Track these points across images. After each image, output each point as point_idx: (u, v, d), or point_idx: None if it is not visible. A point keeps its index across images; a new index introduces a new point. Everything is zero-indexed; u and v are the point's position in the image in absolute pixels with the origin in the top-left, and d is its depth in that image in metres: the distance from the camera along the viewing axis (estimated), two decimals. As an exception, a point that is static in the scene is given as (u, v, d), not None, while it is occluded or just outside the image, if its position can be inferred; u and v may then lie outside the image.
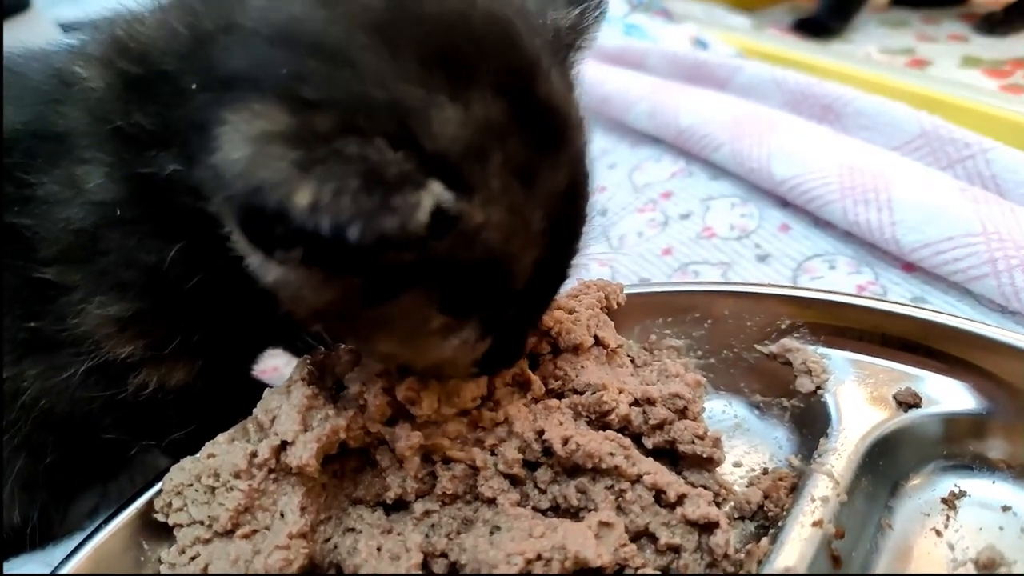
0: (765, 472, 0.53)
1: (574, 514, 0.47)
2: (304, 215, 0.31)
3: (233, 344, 0.54)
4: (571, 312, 0.55)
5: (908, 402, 0.51)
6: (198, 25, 0.41)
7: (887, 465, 0.50)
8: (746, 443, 0.57)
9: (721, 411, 0.59)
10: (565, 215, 0.43)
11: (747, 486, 0.52)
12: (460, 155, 0.36)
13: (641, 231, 0.87)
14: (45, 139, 0.46)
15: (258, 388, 0.53)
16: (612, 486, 0.46)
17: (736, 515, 0.50)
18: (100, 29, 0.46)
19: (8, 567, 0.57)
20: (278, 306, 0.41)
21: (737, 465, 0.55)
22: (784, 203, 0.83)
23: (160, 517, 0.48)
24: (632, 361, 0.58)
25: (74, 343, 0.48)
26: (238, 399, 0.51)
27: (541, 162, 0.39)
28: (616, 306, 0.58)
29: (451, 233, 0.36)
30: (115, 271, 0.46)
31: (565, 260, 0.45)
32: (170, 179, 0.41)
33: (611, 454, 0.46)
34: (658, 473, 0.46)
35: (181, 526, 0.47)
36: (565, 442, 0.47)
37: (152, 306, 0.47)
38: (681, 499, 0.46)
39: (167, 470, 0.49)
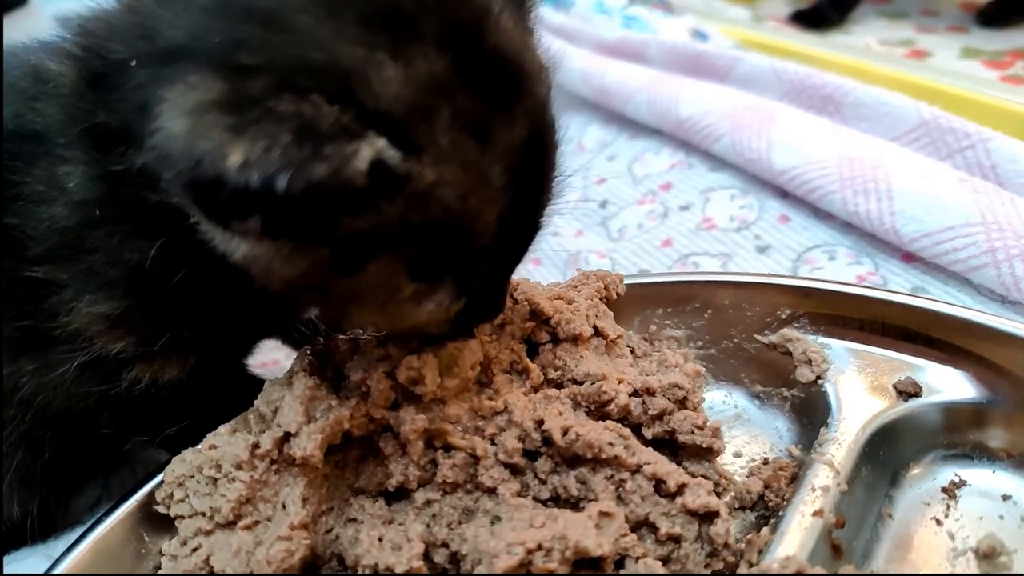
0: (766, 462, 0.53)
1: (574, 504, 0.47)
2: (236, 174, 0.31)
3: (224, 338, 0.53)
4: (570, 302, 0.55)
5: (908, 391, 0.51)
6: (139, 4, 0.41)
7: (887, 454, 0.50)
8: (746, 433, 0.57)
9: (721, 401, 0.59)
10: (528, 168, 0.41)
11: (747, 476, 0.52)
12: (404, 114, 0.35)
13: (641, 223, 0.87)
14: (25, 138, 0.45)
15: (253, 383, 0.53)
16: (612, 476, 0.46)
17: (736, 505, 0.50)
18: (70, 23, 0.46)
19: (9, 560, 0.57)
20: (253, 282, 0.41)
21: (737, 455, 0.55)
22: (784, 194, 0.83)
23: (161, 509, 0.48)
24: (632, 351, 0.58)
25: (67, 340, 0.48)
26: (232, 394, 0.51)
27: (494, 116, 0.39)
28: (616, 296, 0.59)
29: (403, 194, 0.36)
30: (102, 269, 0.46)
31: (535, 212, 0.44)
32: (141, 174, 0.40)
33: (611, 444, 0.46)
34: (658, 463, 0.47)
35: (182, 517, 0.47)
36: (565, 432, 0.47)
37: (140, 303, 0.47)
38: (681, 489, 0.46)
39: (168, 462, 0.49)
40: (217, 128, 0.32)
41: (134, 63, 0.38)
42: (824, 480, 0.46)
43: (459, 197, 0.38)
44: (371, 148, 0.33)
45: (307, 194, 0.31)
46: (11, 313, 0.48)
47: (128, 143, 0.41)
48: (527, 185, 0.42)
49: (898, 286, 0.68)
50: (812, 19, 1.54)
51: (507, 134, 0.39)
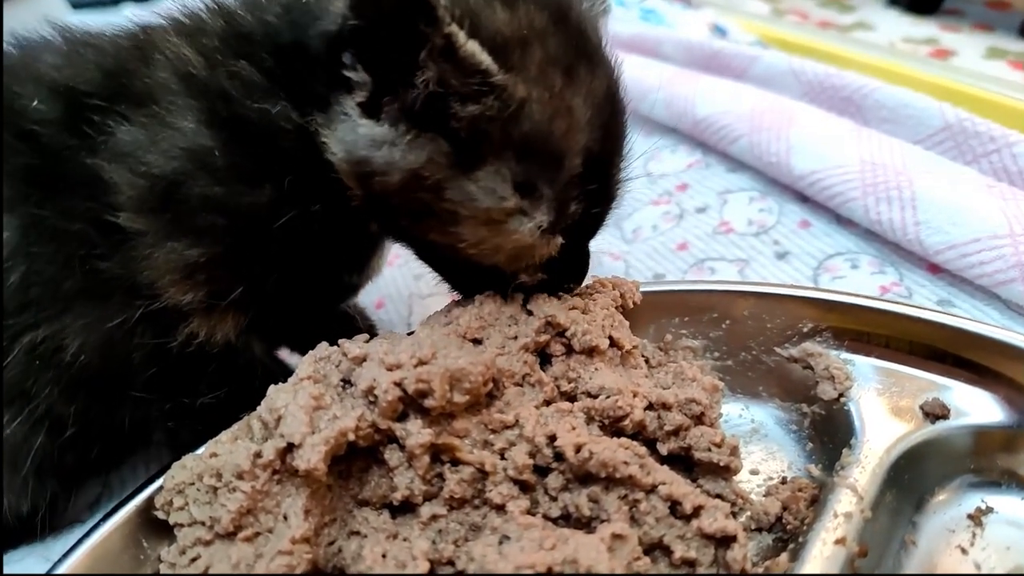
0: (784, 481, 0.51)
1: (586, 524, 0.45)
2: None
3: (288, 298, 0.55)
4: (586, 312, 0.53)
5: (936, 413, 0.49)
6: None
7: (912, 479, 0.48)
8: (763, 450, 0.55)
9: (738, 415, 0.57)
10: (610, 119, 0.49)
11: (764, 495, 0.50)
12: (504, 42, 0.43)
13: (656, 224, 0.85)
14: (128, 89, 0.49)
15: (282, 367, 0.58)
16: (626, 496, 0.45)
17: (753, 526, 0.49)
18: None
19: (5, 559, 0.56)
20: (371, 187, 0.47)
21: (754, 473, 0.53)
22: (804, 198, 0.81)
23: (160, 515, 0.47)
24: (647, 361, 0.57)
25: (130, 291, 0.49)
26: (266, 373, 0.53)
27: (578, 63, 0.47)
28: (632, 305, 0.57)
29: (501, 100, 0.43)
30: (193, 217, 0.48)
31: (615, 169, 0.51)
32: (275, 119, 0.47)
33: (625, 463, 0.44)
34: (674, 483, 0.45)
35: (182, 525, 0.46)
36: (578, 449, 0.45)
37: (227, 251, 0.49)
38: (697, 511, 0.44)
39: (168, 466, 0.48)
40: None
41: None
42: (847, 506, 0.45)
43: (547, 117, 0.45)
44: (464, 38, 0.41)
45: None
46: (70, 262, 0.48)
47: (261, 91, 0.48)
48: (609, 135, 0.49)
49: (923, 298, 0.66)
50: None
51: (589, 81, 0.47)
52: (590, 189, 0.49)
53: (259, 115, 0.48)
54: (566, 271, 0.53)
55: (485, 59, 0.42)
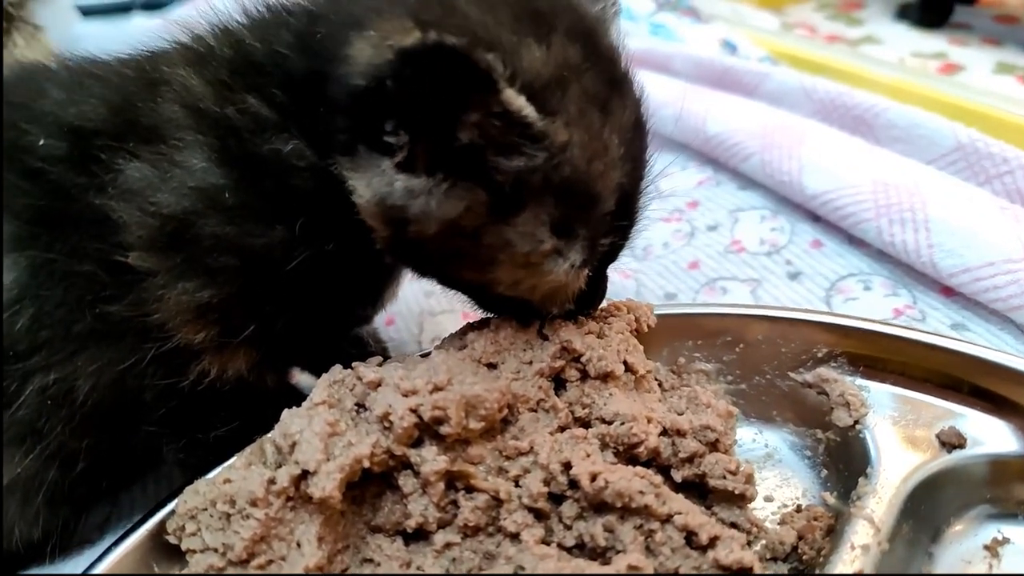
0: (799, 509, 0.51)
1: (601, 554, 0.45)
2: (385, 63, 0.39)
3: (301, 332, 0.54)
4: (601, 336, 0.53)
5: (952, 443, 0.49)
6: None
7: (929, 510, 0.48)
8: (777, 476, 0.54)
9: (751, 440, 0.57)
10: (636, 148, 0.48)
11: (779, 523, 0.50)
12: (544, 84, 0.42)
13: (667, 242, 0.85)
14: (136, 124, 0.48)
15: (295, 392, 0.57)
16: (641, 525, 0.44)
17: (768, 555, 0.48)
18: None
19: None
20: (404, 233, 0.45)
21: (768, 499, 0.53)
22: (816, 217, 0.80)
23: (172, 539, 0.46)
24: (660, 385, 0.56)
25: (141, 332, 0.48)
26: (280, 400, 0.51)
27: (612, 97, 0.46)
28: (646, 329, 0.56)
29: (543, 147, 0.42)
30: (205, 257, 0.47)
31: (640, 195, 0.50)
32: (287, 158, 0.46)
33: (641, 492, 0.44)
34: (690, 513, 0.44)
35: (194, 551, 0.45)
36: (593, 478, 0.45)
37: (240, 292, 0.49)
38: (713, 542, 0.44)
39: (179, 489, 0.48)
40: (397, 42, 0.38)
41: (319, 30, 0.46)
42: (864, 537, 0.44)
43: (586, 158, 0.44)
44: (512, 95, 0.39)
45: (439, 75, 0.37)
46: (82, 303, 0.48)
47: (278, 128, 0.46)
48: (636, 164, 0.49)
49: (937, 322, 0.66)
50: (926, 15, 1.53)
51: (621, 114, 0.46)
52: (621, 222, 0.49)
53: (271, 154, 0.46)
54: (585, 299, 0.53)
55: (531, 112, 0.40)
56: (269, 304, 0.50)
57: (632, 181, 0.48)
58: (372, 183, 0.44)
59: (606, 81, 0.46)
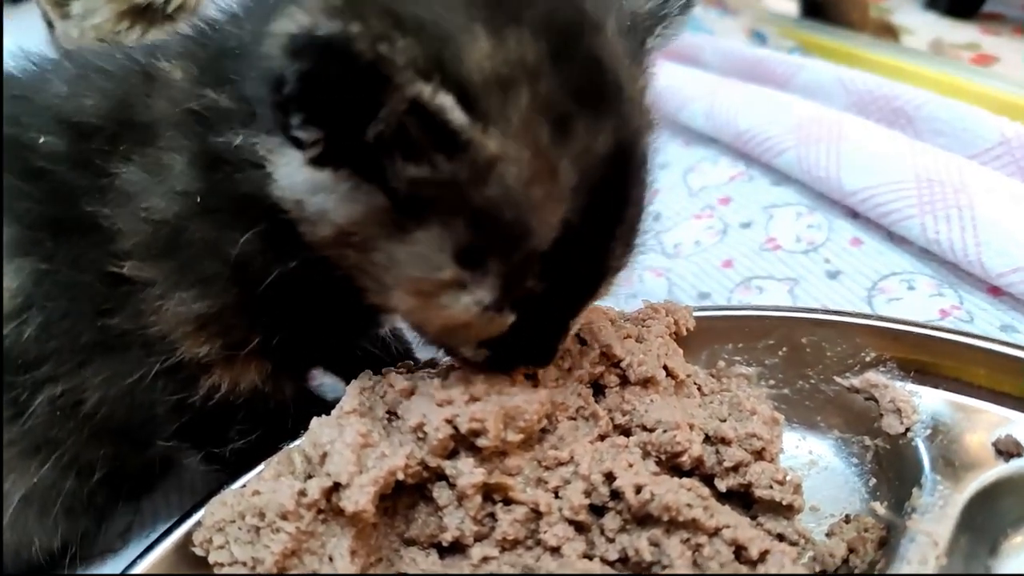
0: (847, 520, 0.49)
1: (646, 568, 0.43)
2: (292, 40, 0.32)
3: (310, 341, 0.52)
4: (640, 340, 0.51)
5: (1009, 451, 0.47)
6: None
7: (986, 521, 0.45)
8: (822, 484, 0.52)
9: (795, 446, 0.55)
10: (607, 185, 0.40)
11: (827, 535, 0.48)
12: (482, 83, 0.35)
13: (698, 239, 0.83)
14: (133, 122, 0.45)
15: (314, 397, 0.55)
16: (688, 539, 0.43)
17: (817, 568, 0.46)
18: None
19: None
20: (302, 234, 0.41)
21: (814, 510, 0.51)
22: (855, 214, 0.78)
23: (199, 551, 0.45)
24: (699, 389, 0.54)
25: (145, 344, 0.46)
26: (299, 407, 0.50)
27: (578, 114, 0.38)
28: (685, 332, 0.55)
29: (462, 158, 0.35)
30: (197, 265, 0.45)
31: (606, 243, 0.42)
32: (238, 152, 0.42)
33: (689, 505, 0.42)
34: (738, 526, 0.43)
35: (222, 564, 0.44)
36: (638, 490, 0.43)
37: (235, 302, 0.46)
38: (764, 556, 0.42)
39: (206, 499, 0.46)
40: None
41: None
42: (921, 552, 0.42)
43: (522, 181, 0.36)
44: (431, 93, 0.33)
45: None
46: (85, 315, 0.46)
47: (231, 122, 0.42)
48: (601, 205, 0.40)
49: (986, 323, 0.64)
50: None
51: (588, 137, 0.38)
52: (563, 266, 0.40)
53: (224, 149, 0.43)
54: (524, 353, 0.45)
55: (457, 115, 0.34)
56: (266, 315, 0.47)
57: (588, 221, 0.39)
58: (283, 171, 0.40)
59: (573, 92, 0.37)
